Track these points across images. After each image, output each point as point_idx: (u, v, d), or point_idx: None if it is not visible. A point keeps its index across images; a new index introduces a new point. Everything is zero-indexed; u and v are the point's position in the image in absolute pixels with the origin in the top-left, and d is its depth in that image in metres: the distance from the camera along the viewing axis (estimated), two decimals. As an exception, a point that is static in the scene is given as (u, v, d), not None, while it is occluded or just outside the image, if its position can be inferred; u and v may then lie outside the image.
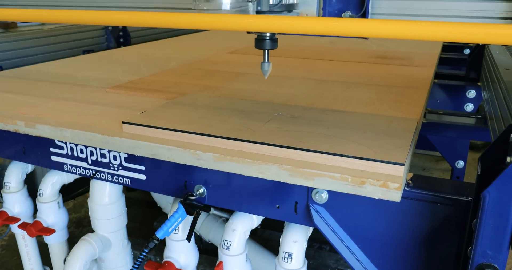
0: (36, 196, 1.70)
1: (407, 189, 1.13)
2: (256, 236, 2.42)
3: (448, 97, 2.33)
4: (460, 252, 1.10)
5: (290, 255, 1.32)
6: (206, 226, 1.91)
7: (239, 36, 3.10)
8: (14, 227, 1.74)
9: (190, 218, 1.38)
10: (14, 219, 1.72)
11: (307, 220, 1.23)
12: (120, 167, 1.44)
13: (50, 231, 1.68)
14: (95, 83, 1.92)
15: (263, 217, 1.39)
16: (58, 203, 1.71)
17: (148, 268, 1.44)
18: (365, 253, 1.22)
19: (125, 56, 2.64)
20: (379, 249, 1.21)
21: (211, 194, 1.34)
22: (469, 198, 1.07)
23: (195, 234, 1.96)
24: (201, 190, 1.34)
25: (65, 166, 1.55)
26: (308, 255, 2.20)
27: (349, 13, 2.46)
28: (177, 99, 1.58)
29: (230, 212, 1.41)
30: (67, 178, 1.70)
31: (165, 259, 1.48)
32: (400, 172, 1.04)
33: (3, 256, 2.99)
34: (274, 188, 1.24)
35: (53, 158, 1.55)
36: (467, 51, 2.78)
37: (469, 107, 2.28)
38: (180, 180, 1.37)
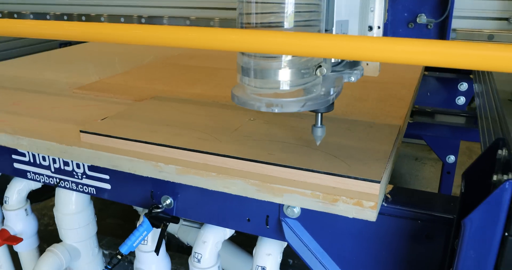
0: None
1: (385, 205, 1.04)
2: (242, 234, 2.36)
3: (439, 89, 2.22)
4: (442, 272, 1.02)
5: (263, 268, 1.24)
6: (184, 229, 1.83)
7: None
8: (-19, 236, 1.66)
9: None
10: (-20, 228, 1.64)
11: (279, 234, 1.14)
12: (84, 176, 1.35)
13: (17, 240, 1.59)
14: (62, 82, 1.81)
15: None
16: (26, 210, 1.62)
17: (116, 281, 1.37)
18: (342, 269, 1.15)
19: (101, 49, 2.52)
20: (356, 267, 1.13)
21: (179, 205, 1.26)
22: (453, 215, 0.98)
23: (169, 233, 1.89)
24: (168, 201, 1.26)
25: (28, 173, 1.45)
26: (293, 254, 2.14)
27: (424, 17, 2.31)
28: (143, 102, 1.48)
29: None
30: (34, 185, 1.61)
31: (134, 271, 1.40)
32: (376, 190, 0.95)
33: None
34: (244, 201, 1.15)
35: (16, 165, 1.46)
36: (460, 40, 2.67)
37: (461, 100, 2.18)
38: (146, 190, 1.28)
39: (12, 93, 1.69)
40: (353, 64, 1.01)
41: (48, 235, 1.56)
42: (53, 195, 2.04)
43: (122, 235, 2.17)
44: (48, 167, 1.40)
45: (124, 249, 1.24)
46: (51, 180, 1.42)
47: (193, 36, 0.86)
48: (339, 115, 1.35)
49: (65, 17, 3.18)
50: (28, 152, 1.40)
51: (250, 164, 1.04)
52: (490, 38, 2.19)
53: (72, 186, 1.39)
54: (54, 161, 1.37)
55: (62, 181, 1.40)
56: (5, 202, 1.59)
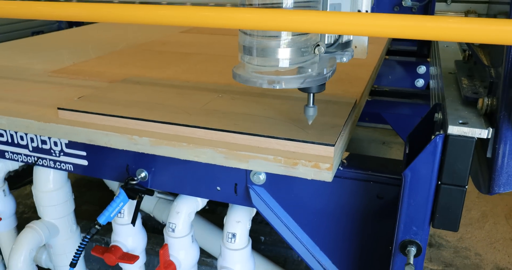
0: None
1: (341, 169, 1.15)
2: (215, 215, 2.45)
3: (400, 73, 2.36)
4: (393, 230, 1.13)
5: (234, 235, 1.33)
6: (159, 207, 1.91)
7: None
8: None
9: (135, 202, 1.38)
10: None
11: (247, 201, 1.24)
12: (62, 153, 1.41)
13: (-5, 219, 1.65)
14: (37, 68, 1.86)
15: (207, 199, 1.40)
16: (4, 191, 1.68)
17: (95, 252, 1.44)
18: (304, 231, 1.25)
19: (76, 37, 2.56)
20: (317, 227, 1.23)
21: (154, 178, 1.34)
22: (401, 176, 1.09)
23: (145, 213, 1.97)
24: (143, 174, 1.34)
25: (6, 153, 1.51)
26: (264, 231, 2.24)
27: (409, 0, 2.39)
28: (118, 82, 1.55)
29: (176, 194, 1.41)
30: (12, 165, 1.66)
31: (112, 243, 1.48)
32: (330, 153, 1.05)
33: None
34: (214, 171, 1.25)
35: (-6, 145, 1.51)
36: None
37: (420, 82, 2.32)
38: (121, 164, 1.36)
39: (-13, 78, 1.73)
40: (345, 46, 1.08)
41: (24, 223, 1.62)
42: (28, 183, 2.10)
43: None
44: (26, 146, 1.46)
45: (102, 219, 1.31)
46: (29, 159, 1.47)
47: (201, 14, 0.87)
48: (303, 95, 1.44)
49: None
50: (6, 132, 1.45)
51: (218, 133, 1.13)
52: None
53: (50, 164, 1.45)
54: (32, 140, 1.43)
55: (40, 160, 1.46)
56: (-17, 183, 1.64)
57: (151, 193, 1.35)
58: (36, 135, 1.41)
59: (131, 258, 1.45)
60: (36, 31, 3.01)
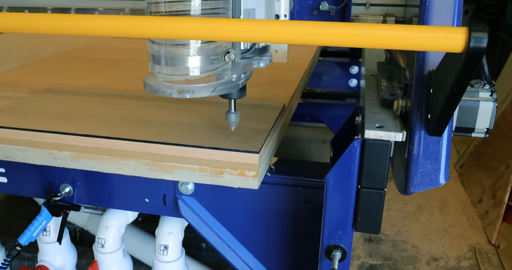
0: None
1: (269, 175, 1.14)
2: (155, 223, 2.39)
3: (334, 73, 2.40)
4: (322, 232, 1.14)
5: (166, 247, 1.30)
6: (93, 221, 1.84)
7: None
8: None
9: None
10: None
11: (176, 212, 1.21)
12: (-22, 171, 1.33)
13: None
14: (-48, 77, 1.74)
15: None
16: None
17: (20, 274, 1.36)
18: (236, 238, 1.24)
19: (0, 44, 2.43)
20: (249, 233, 1.22)
21: (79, 193, 1.28)
22: (327, 179, 1.10)
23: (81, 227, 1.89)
24: (67, 189, 1.28)
25: None
26: (206, 238, 2.21)
27: (326, 4, 2.41)
28: (40, 92, 1.47)
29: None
30: None
31: (39, 263, 1.41)
32: (255, 160, 1.04)
33: None
34: (142, 183, 1.21)
35: None
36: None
37: (353, 82, 2.37)
38: (44, 180, 1.29)
39: None
40: (262, 51, 1.07)
41: None
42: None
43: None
44: None
45: (23, 240, 1.24)
46: None
47: (103, 23, 0.84)
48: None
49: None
50: None
51: (141, 144, 1.09)
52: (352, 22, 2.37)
53: (-35, 182, 1.36)
54: None
55: (-46, 179, 1.36)
56: None
57: (77, 208, 1.29)
58: None
59: (60, 277, 1.38)
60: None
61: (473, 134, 1.00)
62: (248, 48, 1.02)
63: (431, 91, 0.89)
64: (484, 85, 0.97)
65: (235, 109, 1.05)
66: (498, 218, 2.46)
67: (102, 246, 1.32)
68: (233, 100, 1.04)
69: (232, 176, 1.04)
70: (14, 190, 1.34)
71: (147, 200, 1.23)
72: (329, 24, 0.76)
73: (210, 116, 1.25)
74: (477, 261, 2.31)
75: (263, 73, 1.74)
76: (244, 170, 1.03)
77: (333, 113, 2.09)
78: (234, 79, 0.97)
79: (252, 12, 1.00)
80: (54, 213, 1.26)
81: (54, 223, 1.36)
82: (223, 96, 1.01)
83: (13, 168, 1.30)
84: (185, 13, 0.86)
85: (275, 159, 1.20)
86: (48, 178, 1.28)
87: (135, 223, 1.57)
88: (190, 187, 1.17)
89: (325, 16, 2.35)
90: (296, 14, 2.36)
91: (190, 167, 1.06)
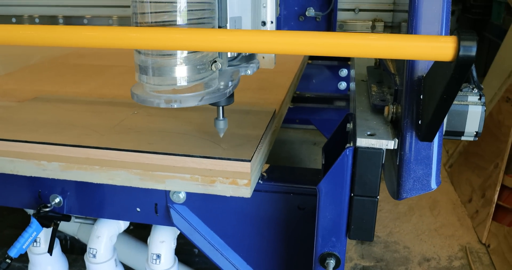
0: None
1: (261, 182, 1.14)
2: (147, 229, 2.37)
3: (323, 76, 2.40)
4: (315, 238, 1.14)
5: (158, 256, 1.29)
6: (84, 230, 1.82)
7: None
8: None
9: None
10: None
11: (168, 221, 1.20)
12: (-35, 182, 1.31)
13: None
14: None
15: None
16: None
17: (10, 287, 1.34)
18: (230, 246, 1.23)
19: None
20: (242, 241, 1.22)
21: (69, 203, 1.27)
22: (319, 186, 1.10)
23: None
24: (57, 200, 1.26)
25: None
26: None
27: (312, 10, 2.40)
28: (27, 101, 1.46)
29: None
30: None
31: (29, 275, 1.39)
32: (247, 169, 1.03)
33: None
34: (133, 192, 1.20)
35: None
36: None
37: (342, 85, 2.37)
38: (33, 191, 1.28)
39: None
40: (249, 58, 1.07)
41: None
42: None
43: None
44: None
45: (13, 252, 1.22)
46: None
47: (89, 35, 0.83)
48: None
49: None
50: None
51: (131, 154, 1.08)
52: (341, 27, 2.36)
53: (-48, 194, 1.34)
54: None
55: None
56: None
57: (67, 219, 1.28)
58: None
59: (51, 288, 1.36)
60: None
61: (463, 138, 1.00)
62: (235, 56, 1.01)
63: (421, 97, 0.89)
64: (473, 89, 0.98)
65: (223, 116, 1.05)
66: (488, 218, 2.48)
67: (94, 256, 1.30)
68: (221, 107, 1.03)
69: (224, 184, 1.04)
70: (2, 201, 1.32)
71: (138, 209, 1.22)
72: (319, 34, 0.76)
73: (201, 123, 1.25)
74: (468, 261, 2.33)
75: (253, 78, 1.74)
76: (236, 179, 1.03)
77: (324, 117, 2.10)
78: (221, 87, 0.97)
79: (238, 20, 1.00)
80: (44, 224, 1.25)
81: (45, 233, 1.35)
82: (211, 103, 1.00)
83: (0, 179, 1.28)
84: (171, 24, 0.85)
85: (266, 166, 1.20)
86: (38, 188, 1.27)
87: (127, 231, 1.56)
88: (182, 195, 1.16)
89: (311, 22, 2.35)
90: (282, 20, 2.36)
91: (181, 177, 1.05)
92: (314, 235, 1.15)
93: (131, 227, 1.46)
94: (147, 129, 1.21)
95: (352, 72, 2.08)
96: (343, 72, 2.38)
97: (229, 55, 1.00)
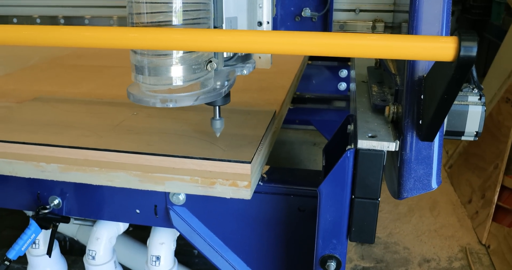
0: None
1: (261, 184, 1.13)
2: (146, 231, 2.37)
3: (323, 77, 2.40)
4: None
5: (158, 258, 1.29)
6: (83, 231, 1.81)
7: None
8: None
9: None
10: None
11: (168, 222, 1.20)
12: (-36, 184, 1.30)
13: None
14: None
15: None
16: None
17: (9, 289, 1.34)
18: (230, 248, 1.23)
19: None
20: (242, 243, 1.21)
21: (68, 205, 1.26)
22: (320, 188, 1.10)
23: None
24: (56, 201, 1.26)
25: None
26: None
27: (308, 10, 2.40)
28: (27, 102, 1.45)
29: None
30: None
31: (28, 277, 1.38)
32: (248, 170, 1.03)
33: None
34: (132, 194, 1.19)
35: None
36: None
37: (342, 86, 2.37)
38: (32, 192, 1.27)
39: None
40: (245, 58, 1.07)
41: None
42: None
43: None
44: None
45: (12, 254, 1.22)
46: None
47: (86, 35, 0.82)
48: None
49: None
50: None
51: (130, 155, 1.08)
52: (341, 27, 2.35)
53: (-49, 196, 1.33)
54: None
55: None
56: None
57: (66, 220, 1.27)
58: None
59: (50, 290, 1.36)
60: None
61: (463, 138, 1.00)
62: (231, 56, 1.01)
63: (422, 97, 0.88)
64: (473, 89, 0.97)
65: (219, 116, 1.05)
66: (488, 218, 2.47)
67: (93, 258, 1.30)
68: (217, 107, 1.03)
69: (224, 186, 1.03)
70: (1, 203, 1.31)
71: (138, 211, 1.21)
72: (320, 34, 0.76)
73: (200, 124, 1.24)
74: (468, 262, 2.33)
75: (253, 78, 1.74)
76: (236, 180, 1.02)
77: (324, 118, 2.09)
78: (217, 87, 0.97)
79: (234, 20, 0.99)
80: (43, 226, 1.24)
81: (44, 235, 1.34)
82: (207, 103, 1.00)
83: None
84: (167, 24, 0.85)
85: (267, 167, 1.19)
86: (36, 190, 1.26)
87: (126, 232, 1.55)
88: (182, 197, 1.15)
89: (307, 22, 2.35)
90: (279, 20, 2.36)
91: (181, 178, 1.05)
92: (314, 237, 1.15)
93: (130, 228, 1.45)
94: (147, 130, 1.20)
95: (352, 72, 2.08)
96: (343, 73, 2.37)
97: (225, 55, 1.00)
